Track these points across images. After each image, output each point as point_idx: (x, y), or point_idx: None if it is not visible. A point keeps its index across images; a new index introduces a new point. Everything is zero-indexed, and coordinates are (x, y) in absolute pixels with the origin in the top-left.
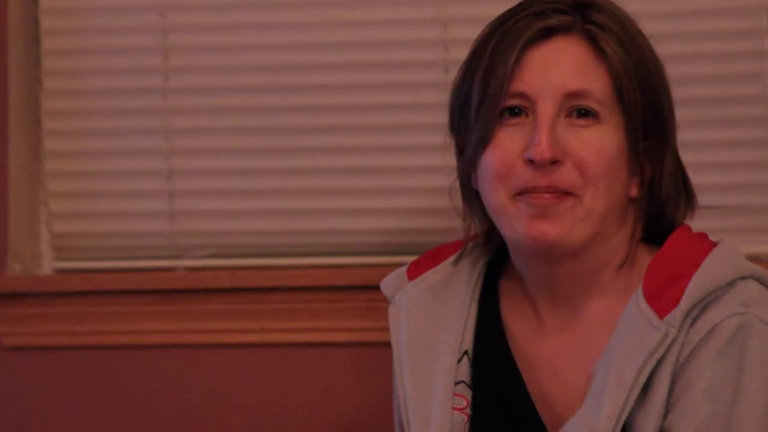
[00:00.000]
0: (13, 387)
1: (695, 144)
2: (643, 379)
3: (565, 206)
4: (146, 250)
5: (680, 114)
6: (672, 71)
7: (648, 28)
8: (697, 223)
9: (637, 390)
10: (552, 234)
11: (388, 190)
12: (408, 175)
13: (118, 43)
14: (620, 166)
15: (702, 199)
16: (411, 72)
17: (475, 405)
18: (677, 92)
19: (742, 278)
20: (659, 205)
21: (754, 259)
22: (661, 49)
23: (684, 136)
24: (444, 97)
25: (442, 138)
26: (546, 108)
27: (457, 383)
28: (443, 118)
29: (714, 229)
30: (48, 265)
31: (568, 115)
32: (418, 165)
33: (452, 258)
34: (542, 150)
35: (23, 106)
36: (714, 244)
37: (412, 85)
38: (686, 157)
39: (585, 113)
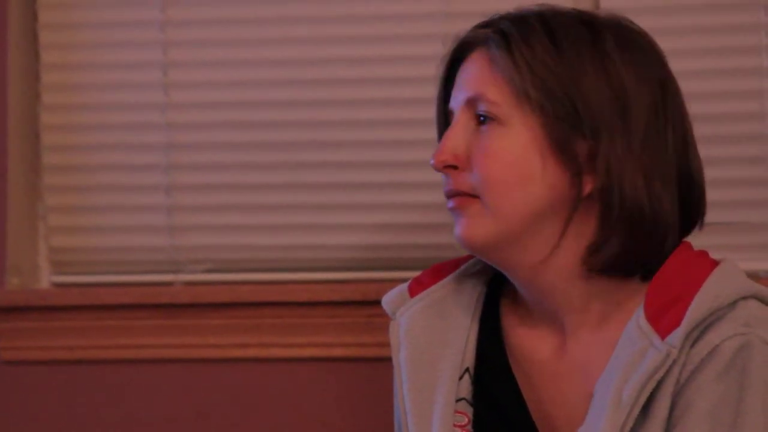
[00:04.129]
0: (11, 401)
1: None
2: (643, 400)
3: (473, 208)
4: (145, 264)
5: None
6: None
7: None
8: (693, 240)
9: (636, 410)
10: (461, 235)
11: (387, 205)
12: (407, 190)
13: (118, 58)
14: (533, 167)
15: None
16: (411, 87)
17: (477, 422)
18: None
19: (744, 298)
20: (624, 218)
21: (752, 276)
22: None
23: None
24: None
25: None
26: (456, 118)
27: (458, 400)
28: None
29: (711, 246)
30: (46, 279)
31: (479, 123)
32: (417, 180)
33: (455, 274)
34: (435, 157)
35: (22, 121)
36: (715, 263)
37: (411, 100)
38: None
39: (486, 118)
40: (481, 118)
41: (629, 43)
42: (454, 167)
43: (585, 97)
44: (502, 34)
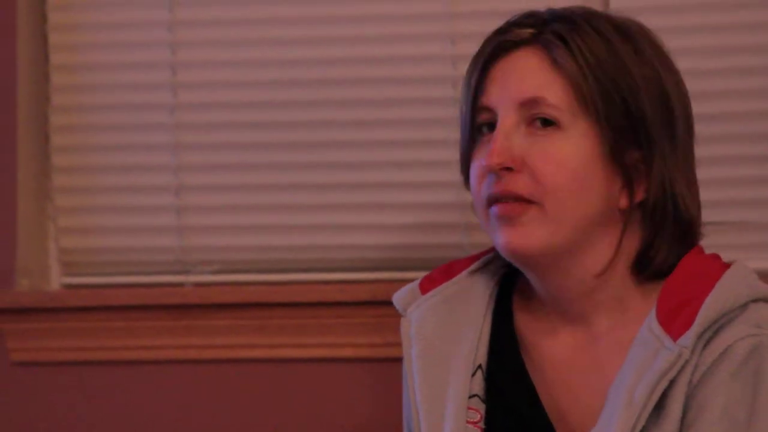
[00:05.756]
0: (21, 402)
1: (702, 160)
2: (655, 399)
3: (529, 215)
4: (154, 265)
5: None
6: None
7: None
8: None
9: (648, 410)
10: (515, 242)
11: (395, 205)
12: (416, 190)
13: (127, 58)
14: (592, 175)
15: (705, 214)
16: (420, 87)
17: (489, 419)
18: None
19: (755, 300)
20: (647, 224)
21: (760, 275)
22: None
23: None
24: (452, 111)
25: (450, 153)
26: (504, 118)
27: (470, 397)
28: (451, 132)
29: (719, 245)
30: (56, 281)
31: (530, 125)
32: (426, 180)
33: (466, 271)
34: (491, 155)
35: (31, 122)
36: (726, 266)
37: (421, 99)
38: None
39: (545, 122)
40: (539, 122)
41: (661, 51)
42: (510, 169)
43: (640, 106)
44: (559, 36)
